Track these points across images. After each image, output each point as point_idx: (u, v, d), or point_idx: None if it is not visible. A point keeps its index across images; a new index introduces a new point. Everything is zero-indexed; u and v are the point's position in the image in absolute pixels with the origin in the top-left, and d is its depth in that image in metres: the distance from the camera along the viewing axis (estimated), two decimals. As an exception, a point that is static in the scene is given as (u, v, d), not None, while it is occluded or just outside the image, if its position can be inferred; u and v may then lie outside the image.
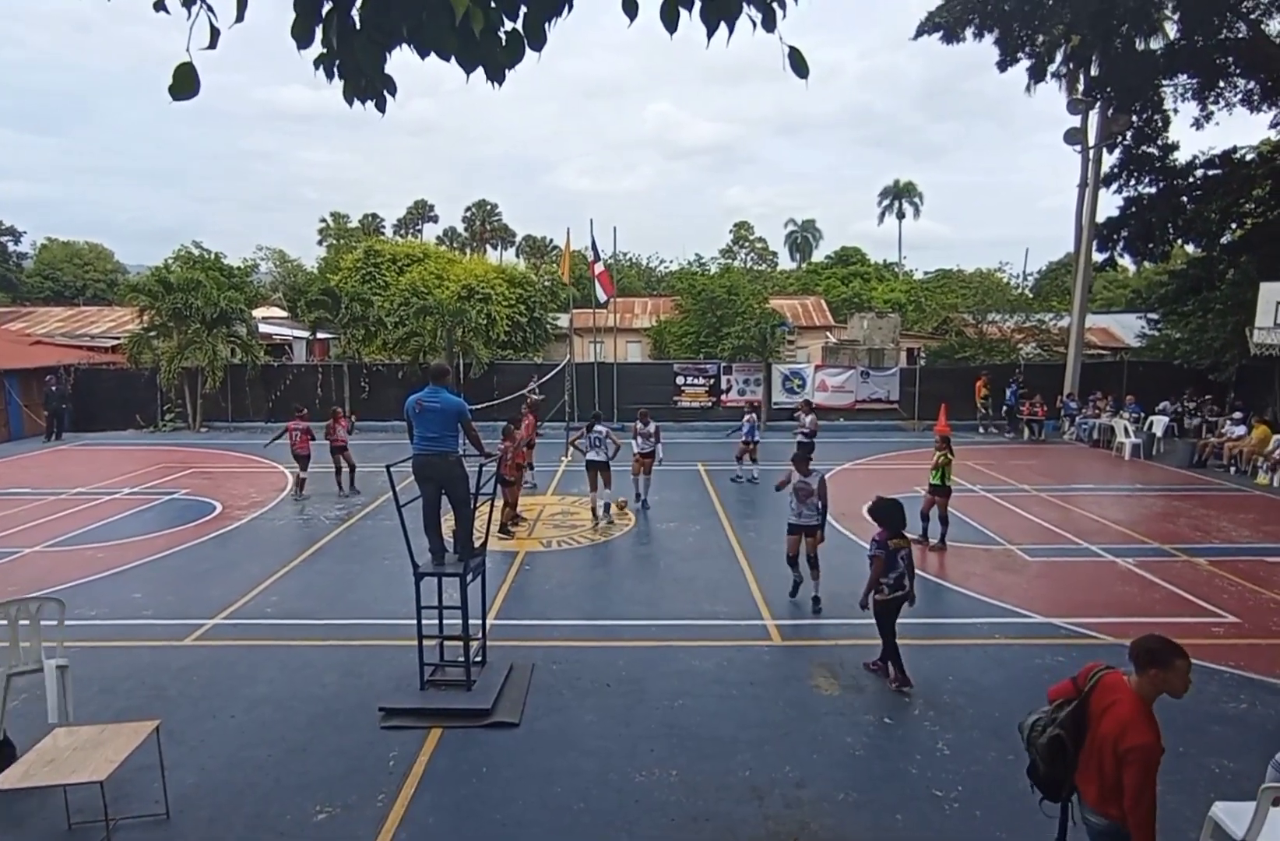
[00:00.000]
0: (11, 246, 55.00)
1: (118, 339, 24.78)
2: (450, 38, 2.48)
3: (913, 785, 4.97)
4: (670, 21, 2.60)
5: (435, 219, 69.10)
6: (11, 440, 19.92)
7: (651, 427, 12.24)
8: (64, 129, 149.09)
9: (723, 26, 2.58)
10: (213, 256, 31.69)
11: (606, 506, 11.52)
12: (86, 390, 22.06)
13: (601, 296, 21.07)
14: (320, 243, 63.22)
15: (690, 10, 2.57)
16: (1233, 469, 15.30)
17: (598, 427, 11.33)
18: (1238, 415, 16.10)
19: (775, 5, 2.57)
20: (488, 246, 66.40)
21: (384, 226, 65.54)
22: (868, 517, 6.74)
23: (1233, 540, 10.60)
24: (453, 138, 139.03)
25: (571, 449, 12.46)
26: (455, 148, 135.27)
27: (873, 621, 7.65)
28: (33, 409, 20.85)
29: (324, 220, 64.78)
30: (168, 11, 2.39)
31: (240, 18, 2.40)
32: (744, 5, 2.54)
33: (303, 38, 2.60)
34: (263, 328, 25.81)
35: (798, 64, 2.59)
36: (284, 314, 32.42)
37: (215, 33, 2.37)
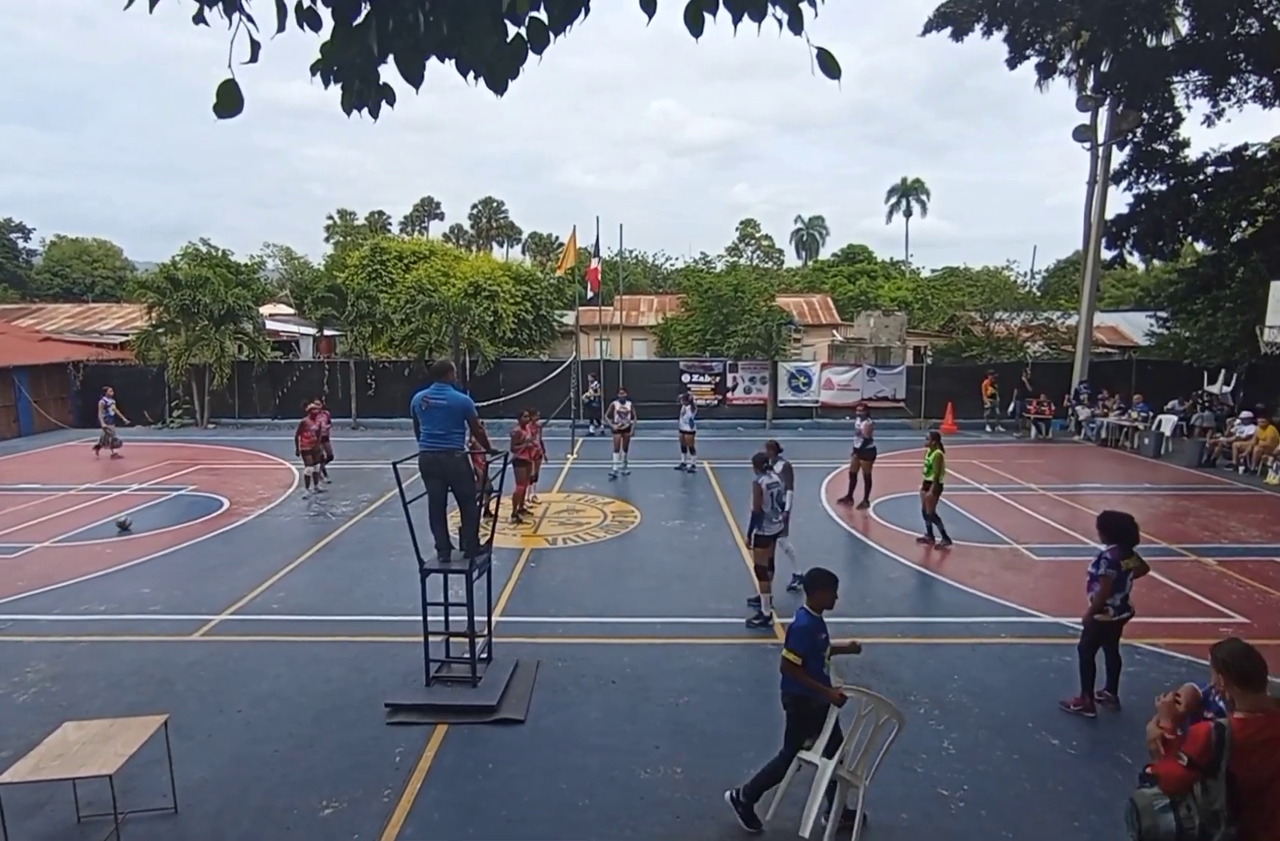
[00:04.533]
0: (21, 243, 55.31)
1: (126, 335, 24.91)
2: (491, 39, 2.42)
3: (918, 784, 4.96)
4: (695, 26, 2.51)
5: (441, 216, 69.29)
6: (21, 436, 20.05)
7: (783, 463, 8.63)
8: (70, 125, 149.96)
9: (741, 22, 2.51)
10: (220, 253, 31.84)
11: (625, 463, 14.86)
12: (95, 387, 22.16)
13: (588, 292, 21.44)
14: (327, 240, 63.42)
15: (715, 14, 2.50)
16: (1242, 468, 15.21)
17: (627, 403, 15.16)
18: (1247, 414, 15.98)
19: (804, 5, 2.49)
20: (494, 244, 66.48)
21: (390, 224, 65.71)
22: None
23: (1242, 540, 10.54)
24: (458, 135, 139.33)
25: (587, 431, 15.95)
26: (461, 145, 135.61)
27: (877, 620, 7.67)
28: (42, 405, 20.97)
29: (331, 217, 65.03)
30: (207, 23, 2.35)
31: (281, 28, 2.35)
32: (770, 6, 2.47)
33: (345, 44, 2.53)
34: (269, 324, 25.90)
35: (828, 65, 2.50)
36: (291, 311, 32.41)
37: (255, 45, 2.32)
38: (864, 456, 12.22)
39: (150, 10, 2.34)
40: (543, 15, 2.56)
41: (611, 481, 14.36)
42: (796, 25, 2.49)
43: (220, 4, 2.31)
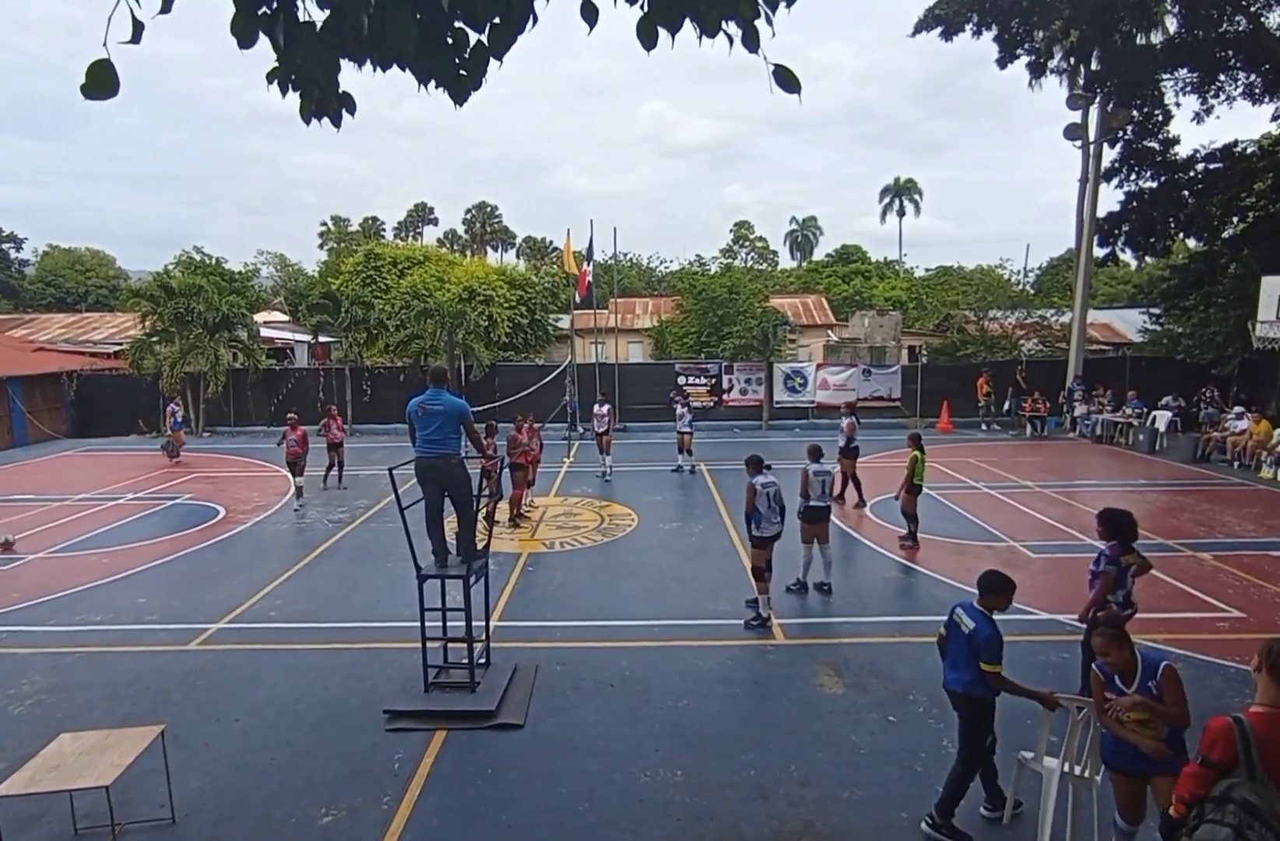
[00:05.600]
0: (13, 253, 55.17)
1: (120, 345, 24.84)
2: (410, 36, 2.34)
3: (918, 783, 4.96)
4: (648, 39, 2.49)
5: (435, 221, 69.27)
6: (15, 446, 19.98)
7: (828, 467, 8.69)
8: (62, 134, 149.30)
9: (692, 36, 2.47)
10: (214, 261, 31.80)
11: (609, 468, 14.87)
12: (89, 396, 22.14)
13: (577, 297, 21.66)
14: (321, 246, 63.41)
15: (668, 28, 2.47)
16: (1236, 463, 15.26)
17: (605, 406, 14.98)
18: (1239, 409, 16.04)
19: (759, 23, 2.43)
20: (488, 248, 66.50)
21: (384, 229, 65.69)
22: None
23: (1237, 535, 10.56)
24: (449, 139, 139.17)
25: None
26: (452, 149, 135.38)
27: (875, 619, 7.68)
28: (36, 415, 20.92)
29: (324, 224, 65.07)
30: None
31: (166, 9, 2.19)
32: (723, 22, 2.42)
33: (244, 36, 2.41)
34: (264, 332, 25.86)
35: (786, 81, 2.45)
36: (285, 318, 32.46)
37: (138, 25, 2.13)
38: (845, 455, 12.15)
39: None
40: (492, 19, 2.52)
41: (606, 483, 14.48)
42: (751, 43, 2.42)
43: None
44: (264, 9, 2.43)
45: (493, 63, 2.60)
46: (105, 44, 2.09)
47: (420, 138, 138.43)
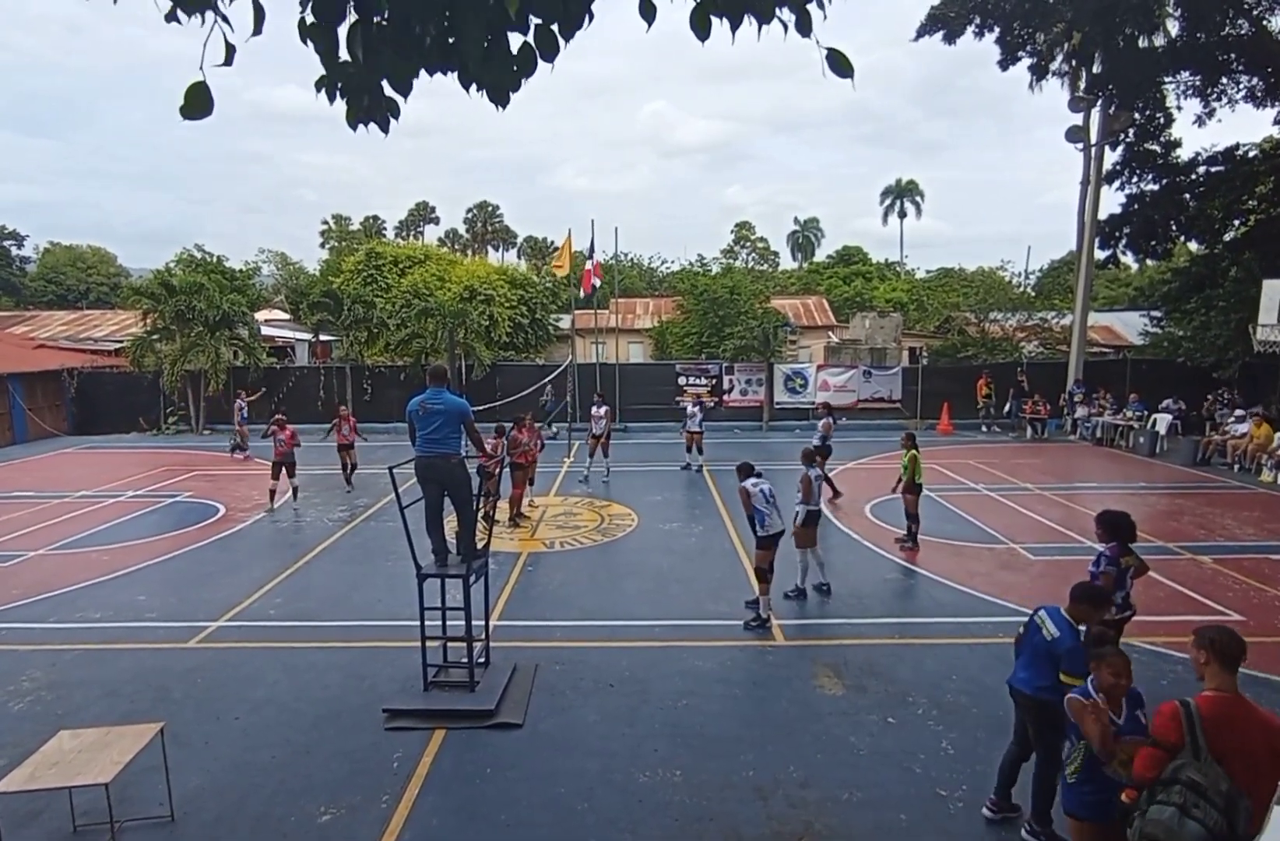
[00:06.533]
0: (15, 250, 55.20)
1: (121, 342, 24.86)
2: (479, 46, 2.38)
3: (917, 784, 4.96)
4: (701, 30, 2.47)
5: (436, 221, 69.29)
6: (16, 443, 19.98)
7: (815, 472, 8.53)
8: (61, 132, 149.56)
9: (743, 26, 2.47)
10: (215, 259, 31.78)
11: (607, 469, 14.64)
12: (90, 394, 22.14)
13: (581, 292, 21.72)
14: (322, 245, 63.45)
15: (722, 19, 2.45)
16: (1237, 467, 15.26)
17: (603, 407, 14.59)
18: (1240, 412, 16.04)
19: (812, 8, 2.42)
20: (489, 248, 66.53)
21: (385, 228, 65.69)
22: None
23: (1237, 538, 10.56)
24: (451, 139, 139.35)
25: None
26: (454, 149, 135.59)
27: (875, 621, 7.68)
28: (37, 413, 20.92)
29: (326, 223, 65.10)
30: (179, 21, 2.30)
31: (258, 31, 2.30)
32: (777, 9, 2.41)
33: (328, 51, 2.49)
34: (265, 330, 25.83)
35: (839, 65, 2.43)
36: (286, 316, 32.46)
37: (230, 49, 2.26)
38: (818, 453, 12.20)
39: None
40: (540, 21, 2.54)
41: (603, 483, 14.34)
42: (804, 27, 2.43)
43: (189, 4, 2.25)
44: (345, 21, 2.48)
45: (542, 66, 2.61)
46: (201, 67, 2.23)
47: (422, 138, 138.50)
